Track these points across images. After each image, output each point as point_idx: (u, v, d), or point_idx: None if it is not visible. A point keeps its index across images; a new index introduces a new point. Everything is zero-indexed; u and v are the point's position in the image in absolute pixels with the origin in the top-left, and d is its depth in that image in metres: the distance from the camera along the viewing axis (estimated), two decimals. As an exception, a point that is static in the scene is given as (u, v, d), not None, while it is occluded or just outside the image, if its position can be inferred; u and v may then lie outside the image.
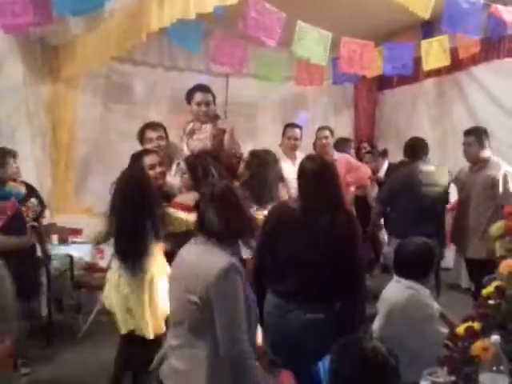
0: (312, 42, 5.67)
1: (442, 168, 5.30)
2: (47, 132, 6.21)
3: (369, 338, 2.08)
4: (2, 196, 4.36)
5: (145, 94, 6.94)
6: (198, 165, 3.98)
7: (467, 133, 5.06)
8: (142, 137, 4.51)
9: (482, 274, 2.76)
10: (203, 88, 4.65)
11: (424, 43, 6.19)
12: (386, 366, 1.94)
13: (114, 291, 3.58)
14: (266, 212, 4.10)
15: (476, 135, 4.96)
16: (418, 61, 6.38)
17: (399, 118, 8.43)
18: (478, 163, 4.97)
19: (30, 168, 5.80)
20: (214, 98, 4.66)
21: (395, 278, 3.29)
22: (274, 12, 5.21)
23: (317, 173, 3.03)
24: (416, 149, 5.20)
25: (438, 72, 7.19)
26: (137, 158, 4.09)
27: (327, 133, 5.95)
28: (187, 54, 6.66)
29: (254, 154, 4.48)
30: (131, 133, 4.73)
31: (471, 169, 5.06)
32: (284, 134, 5.63)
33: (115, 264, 3.60)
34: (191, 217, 3.42)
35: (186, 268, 2.48)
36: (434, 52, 6.24)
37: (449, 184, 5.24)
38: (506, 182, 4.77)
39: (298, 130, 5.54)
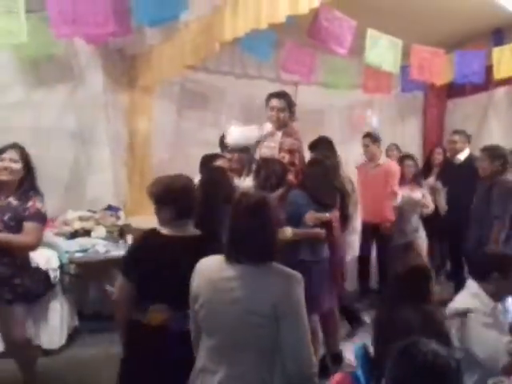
0: (383, 50, 5.72)
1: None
2: (125, 138, 6.50)
3: (427, 341, 2.04)
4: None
5: (217, 101, 7.13)
6: (262, 169, 4.14)
7: None
8: (222, 144, 4.71)
9: None
10: (279, 94, 4.81)
11: (496, 51, 6.12)
12: (447, 369, 1.93)
13: None
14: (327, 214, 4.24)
15: None
16: (489, 69, 6.30)
17: (469, 127, 8.29)
18: None
19: (107, 172, 6.12)
20: (290, 105, 4.80)
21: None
22: (344, 20, 5.30)
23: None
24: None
25: (509, 80, 7.06)
26: (208, 160, 4.30)
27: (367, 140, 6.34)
28: (258, 62, 6.81)
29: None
30: (203, 139, 4.92)
31: None
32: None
33: None
34: None
35: (241, 289, 2.30)
36: (506, 60, 6.16)
37: None
38: None
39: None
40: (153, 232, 2.94)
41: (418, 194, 6.12)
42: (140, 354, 2.81)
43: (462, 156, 6.49)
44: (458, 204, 5.95)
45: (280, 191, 4.12)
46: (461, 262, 6.11)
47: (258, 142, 4.82)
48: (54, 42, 4.96)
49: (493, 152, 5.16)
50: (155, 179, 3.07)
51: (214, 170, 4.12)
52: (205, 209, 3.35)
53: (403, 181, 6.15)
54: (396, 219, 6.01)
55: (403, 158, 6.36)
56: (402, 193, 6.06)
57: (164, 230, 2.90)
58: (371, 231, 6.26)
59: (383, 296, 3.18)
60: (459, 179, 6.09)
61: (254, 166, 4.38)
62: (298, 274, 2.36)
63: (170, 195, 2.91)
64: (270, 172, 4.12)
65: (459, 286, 5.94)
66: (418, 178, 6.28)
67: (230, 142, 4.71)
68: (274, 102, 4.76)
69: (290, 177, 4.42)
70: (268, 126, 4.79)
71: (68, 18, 4.39)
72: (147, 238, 2.95)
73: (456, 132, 6.65)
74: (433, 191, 6.52)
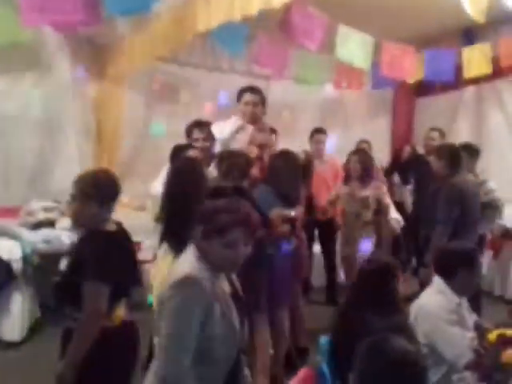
0: (355, 46, 5.75)
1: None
2: (93, 129, 6.39)
3: (396, 338, 2.04)
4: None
5: (188, 94, 7.08)
6: (224, 161, 4.10)
7: None
8: (189, 135, 4.66)
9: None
10: (253, 89, 4.79)
11: (466, 50, 6.19)
12: (416, 365, 1.94)
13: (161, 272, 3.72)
14: (292, 212, 4.20)
15: None
16: (458, 68, 6.37)
17: (438, 125, 8.39)
18: None
19: (74, 163, 6.02)
20: (263, 100, 4.78)
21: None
22: (316, 16, 5.30)
23: None
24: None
25: (478, 80, 7.16)
26: (179, 150, 4.26)
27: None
28: (230, 55, 6.78)
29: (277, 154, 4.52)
30: (173, 132, 4.87)
31: None
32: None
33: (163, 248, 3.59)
34: None
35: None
36: (476, 59, 6.24)
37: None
38: None
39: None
40: (104, 231, 2.79)
41: (365, 192, 5.34)
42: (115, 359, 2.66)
43: None
44: (427, 200, 5.97)
45: (243, 184, 4.09)
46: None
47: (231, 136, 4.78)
48: (21, 29, 4.80)
49: (443, 151, 4.95)
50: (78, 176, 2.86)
51: (186, 159, 4.04)
52: (175, 200, 3.36)
53: (348, 178, 5.63)
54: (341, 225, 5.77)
55: (350, 154, 5.74)
56: (343, 191, 5.57)
57: (103, 227, 2.78)
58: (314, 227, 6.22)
59: (346, 296, 3.16)
60: (431, 176, 6.08)
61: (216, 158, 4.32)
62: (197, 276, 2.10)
63: (95, 189, 2.80)
64: (231, 164, 4.07)
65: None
66: (366, 176, 5.44)
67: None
68: (249, 97, 4.72)
69: (255, 171, 4.37)
70: (235, 120, 4.74)
71: (36, 5, 4.30)
72: (108, 237, 2.79)
73: (433, 129, 6.62)
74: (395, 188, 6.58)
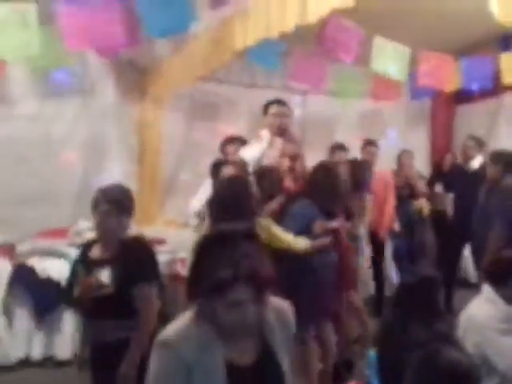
0: (391, 57, 5.74)
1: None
2: (135, 149, 6.56)
3: (450, 348, 2.05)
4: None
5: (226, 111, 7.18)
6: (258, 182, 4.16)
7: None
8: (222, 150, 4.73)
9: None
10: (280, 101, 4.83)
11: (504, 56, 6.12)
12: (470, 376, 1.94)
13: None
14: (334, 223, 4.20)
15: None
16: (497, 75, 6.30)
17: (478, 133, 8.29)
18: None
19: (119, 182, 6.14)
20: (290, 112, 4.82)
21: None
22: (351, 28, 5.32)
23: None
24: None
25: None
26: (218, 165, 4.37)
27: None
28: (267, 71, 6.85)
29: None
30: (213, 149, 4.95)
31: None
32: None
33: None
34: (288, 237, 3.72)
35: None
36: (514, 66, 6.16)
37: None
38: None
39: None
40: (140, 237, 3.12)
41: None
42: None
43: (475, 163, 6.45)
44: (466, 210, 5.92)
45: (278, 200, 4.13)
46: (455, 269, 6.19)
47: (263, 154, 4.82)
48: (65, 54, 4.99)
49: (496, 156, 5.25)
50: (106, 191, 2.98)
51: (232, 181, 4.09)
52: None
53: None
54: None
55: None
56: None
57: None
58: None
59: (391, 309, 3.13)
60: (470, 185, 6.04)
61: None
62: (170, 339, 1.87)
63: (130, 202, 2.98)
64: (265, 183, 4.13)
65: (449, 293, 6.05)
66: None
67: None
68: (277, 109, 4.76)
69: (288, 183, 4.39)
70: (264, 134, 4.77)
71: (78, 30, 4.44)
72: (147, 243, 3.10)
73: (470, 137, 6.66)
74: (437, 197, 6.52)
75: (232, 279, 1.72)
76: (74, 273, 2.90)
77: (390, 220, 6.21)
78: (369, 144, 6.37)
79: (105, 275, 2.74)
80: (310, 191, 4.24)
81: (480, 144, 6.54)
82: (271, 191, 4.13)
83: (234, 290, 1.73)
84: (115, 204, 2.81)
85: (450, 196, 6.66)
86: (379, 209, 6.04)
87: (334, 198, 4.22)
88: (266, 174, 4.24)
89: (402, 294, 2.96)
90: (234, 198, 3.59)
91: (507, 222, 4.62)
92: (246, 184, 3.85)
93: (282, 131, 4.73)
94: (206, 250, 1.86)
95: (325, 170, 4.34)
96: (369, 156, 6.26)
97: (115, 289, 2.73)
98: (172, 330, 1.87)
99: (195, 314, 1.87)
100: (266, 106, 4.83)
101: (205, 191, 4.61)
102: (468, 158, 6.53)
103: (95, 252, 2.90)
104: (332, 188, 4.21)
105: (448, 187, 6.81)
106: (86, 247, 2.97)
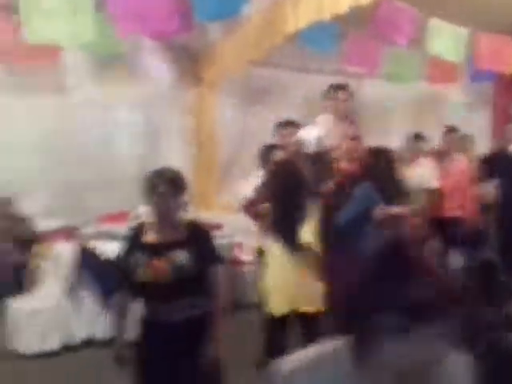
0: (446, 39, 5.63)
1: None
2: (191, 134, 6.67)
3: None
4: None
5: (279, 95, 7.20)
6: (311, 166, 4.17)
7: None
8: (277, 134, 4.77)
9: None
10: (344, 86, 4.82)
11: None
12: None
13: (278, 270, 3.92)
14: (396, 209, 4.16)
15: None
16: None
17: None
18: None
19: (176, 167, 6.28)
20: (352, 95, 4.81)
21: None
22: (406, 10, 5.25)
23: None
24: None
25: None
26: (268, 150, 4.44)
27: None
28: (320, 55, 6.81)
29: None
30: (267, 134, 4.98)
31: None
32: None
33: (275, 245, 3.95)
34: None
35: None
36: None
37: None
38: None
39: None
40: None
41: None
42: None
43: None
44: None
45: (331, 182, 4.13)
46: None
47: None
48: (120, 40, 5.10)
49: None
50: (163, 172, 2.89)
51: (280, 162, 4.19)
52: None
53: None
54: None
55: None
56: None
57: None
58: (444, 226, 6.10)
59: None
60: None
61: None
62: None
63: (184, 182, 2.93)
64: (317, 167, 4.14)
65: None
66: None
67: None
68: (341, 94, 4.76)
69: (344, 164, 4.36)
70: (323, 119, 4.76)
71: (131, 15, 4.53)
72: None
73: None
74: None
75: None
76: (128, 258, 2.85)
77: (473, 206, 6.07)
78: (450, 131, 6.20)
79: (182, 257, 2.75)
80: (370, 175, 4.21)
81: None
82: (323, 174, 4.13)
83: None
84: (172, 184, 2.78)
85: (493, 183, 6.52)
86: (459, 195, 5.93)
87: (392, 183, 4.20)
88: (317, 157, 4.25)
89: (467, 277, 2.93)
90: (282, 181, 3.82)
91: None
92: (293, 167, 3.97)
93: (345, 115, 4.72)
94: None
95: (381, 154, 4.31)
96: (450, 144, 6.12)
97: (192, 270, 2.76)
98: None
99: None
100: (329, 90, 4.83)
101: (254, 177, 4.69)
102: (509, 142, 6.34)
103: (151, 236, 2.87)
104: (391, 172, 4.19)
105: (490, 172, 6.66)
106: (137, 232, 2.93)
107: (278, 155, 4.43)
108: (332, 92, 4.79)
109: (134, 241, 2.90)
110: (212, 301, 2.83)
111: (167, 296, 2.79)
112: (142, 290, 2.84)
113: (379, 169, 4.23)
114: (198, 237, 2.85)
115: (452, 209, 5.82)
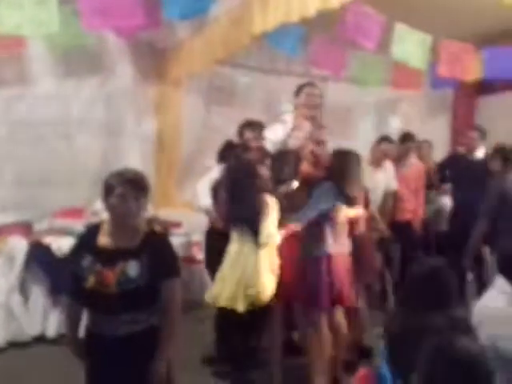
0: (411, 45, 5.67)
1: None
2: (153, 131, 6.58)
3: (462, 338, 2.02)
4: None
5: (244, 96, 7.16)
6: (276, 162, 4.19)
7: None
8: (241, 135, 4.72)
9: None
10: (314, 84, 4.80)
11: (527, 48, 6.02)
12: (483, 365, 1.92)
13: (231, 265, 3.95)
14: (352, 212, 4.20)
15: None
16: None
17: (500, 125, 8.18)
18: None
19: (135, 164, 6.17)
20: (322, 96, 4.79)
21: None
22: (373, 15, 5.26)
23: None
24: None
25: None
26: (230, 147, 4.44)
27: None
28: (287, 57, 6.80)
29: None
30: (230, 133, 4.95)
31: None
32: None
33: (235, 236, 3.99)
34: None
35: None
36: (538, 57, 6.05)
37: None
38: None
39: None
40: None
41: None
42: None
43: (479, 153, 6.44)
44: (467, 201, 5.90)
45: (289, 184, 4.14)
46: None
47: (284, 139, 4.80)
48: (84, 33, 5.03)
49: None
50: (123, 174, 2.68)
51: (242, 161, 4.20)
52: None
53: None
54: None
55: None
56: None
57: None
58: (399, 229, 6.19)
59: (400, 297, 3.11)
60: (472, 176, 6.04)
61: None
62: None
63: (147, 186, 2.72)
64: (283, 164, 4.14)
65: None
66: None
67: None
68: (313, 90, 4.72)
69: (306, 167, 4.36)
70: (288, 119, 4.74)
71: (98, 9, 4.47)
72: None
73: (474, 128, 6.71)
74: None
75: None
76: (78, 260, 2.63)
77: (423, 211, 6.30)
78: (406, 138, 6.33)
79: (132, 268, 2.54)
80: (329, 176, 4.22)
81: (483, 134, 6.49)
82: (284, 175, 4.14)
83: None
84: (132, 186, 2.58)
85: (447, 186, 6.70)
86: (413, 199, 6.12)
87: (350, 183, 4.20)
88: (280, 157, 4.26)
89: (412, 283, 2.94)
90: (240, 180, 3.94)
91: None
92: (253, 167, 4.07)
93: (315, 111, 4.69)
94: None
95: (348, 157, 4.32)
96: (405, 150, 6.23)
97: (142, 284, 2.55)
98: None
99: None
100: (300, 88, 4.79)
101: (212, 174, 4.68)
102: (472, 148, 6.50)
103: (105, 239, 2.64)
104: (349, 172, 4.20)
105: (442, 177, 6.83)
106: (92, 232, 2.71)
107: (248, 158, 4.40)
108: (302, 88, 4.75)
109: (87, 242, 2.68)
110: (162, 316, 2.65)
111: (111, 308, 2.58)
112: (87, 297, 2.62)
113: (338, 169, 4.19)
114: (154, 247, 2.63)
115: (406, 212, 6.07)
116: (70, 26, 4.66)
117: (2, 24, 4.25)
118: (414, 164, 6.30)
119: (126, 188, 2.57)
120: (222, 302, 3.94)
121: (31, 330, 4.88)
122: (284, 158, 4.19)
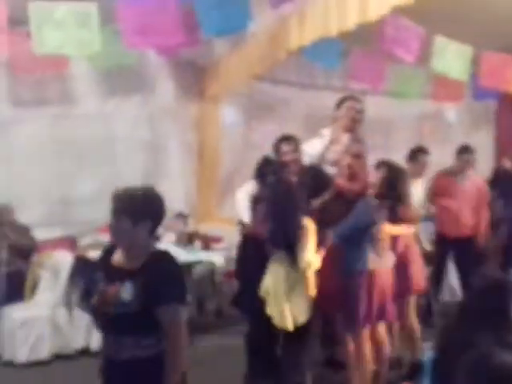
0: (451, 57, 5.62)
1: None
2: (194, 147, 6.67)
3: (503, 352, 1.97)
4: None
5: (283, 111, 7.20)
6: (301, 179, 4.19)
7: None
8: (277, 150, 4.73)
9: None
10: (357, 98, 4.78)
11: None
12: None
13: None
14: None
15: None
16: None
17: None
18: None
19: (177, 180, 6.29)
20: (363, 110, 4.77)
21: None
22: (412, 27, 5.24)
23: None
24: None
25: None
26: (267, 163, 4.44)
27: None
28: (325, 71, 6.82)
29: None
30: (268, 148, 4.97)
31: None
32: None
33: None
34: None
35: None
36: None
37: None
38: None
39: None
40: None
41: None
42: None
43: None
44: None
45: (322, 197, 4.13)
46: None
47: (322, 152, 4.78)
48: (126, 53, 5.14)
49: None
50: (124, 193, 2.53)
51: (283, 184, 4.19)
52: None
53: None
54: None
55: None
56: None
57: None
58: (449, 244, 6.05)
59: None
60: None
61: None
62: None
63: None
64: (311, 181, 4.15)
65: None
66: None
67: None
68: (354, 104, 4.71)
69: (341, 181, 4.32)
70: (327, 132, 4.73)
71: (138, 28, 4.56)
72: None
73: None
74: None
75: None
76: (93, 278, 2.58)
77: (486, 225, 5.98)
78: (464, 151, 6.10)
79: (127, 290, 2.39)
80: (382, 191, 4.14)
81: None
82: (316, 189, 4.12)
83: None
84: (123, 204, 2.44)
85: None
86: (473, 214, 5.87)
87: (402, 201, 4.17)
88: (312, 172, 4.26)
89: (471, 299, 2.84)
90: (279, 203, 3.92)
91: None
92: (291, 189, 4.05)
93: (354, 125, 4.66)
94: None
95: (396, 173, 4.26)
96: (463, 163, 6.03)
97: (137, 307, 2.38)
98: None
99: None
100: (342, 101, 4.77)
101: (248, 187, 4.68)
102: None
103: (117, 257, 2.53)
104: (403, 191, 4.18)
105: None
106: (108, 250, 2.60)
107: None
108: (343, 102, 4.74)
109: (103, 259, 2.61)
110: (165, 343, 2.43)
111: (112, 328, 2.48)
112: (93, 314, 2.56)
113: (390, 187, 4.15)
114: (153, 269, 2.43)
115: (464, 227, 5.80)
116: (112, 46, 4.78)
117: (45, 44, 4.39)
118: (472, 177, 6.02)
119: (121, 216, 2.45)
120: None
121: (75, 343, 4.95)
122: (320, 173, 4.20)
